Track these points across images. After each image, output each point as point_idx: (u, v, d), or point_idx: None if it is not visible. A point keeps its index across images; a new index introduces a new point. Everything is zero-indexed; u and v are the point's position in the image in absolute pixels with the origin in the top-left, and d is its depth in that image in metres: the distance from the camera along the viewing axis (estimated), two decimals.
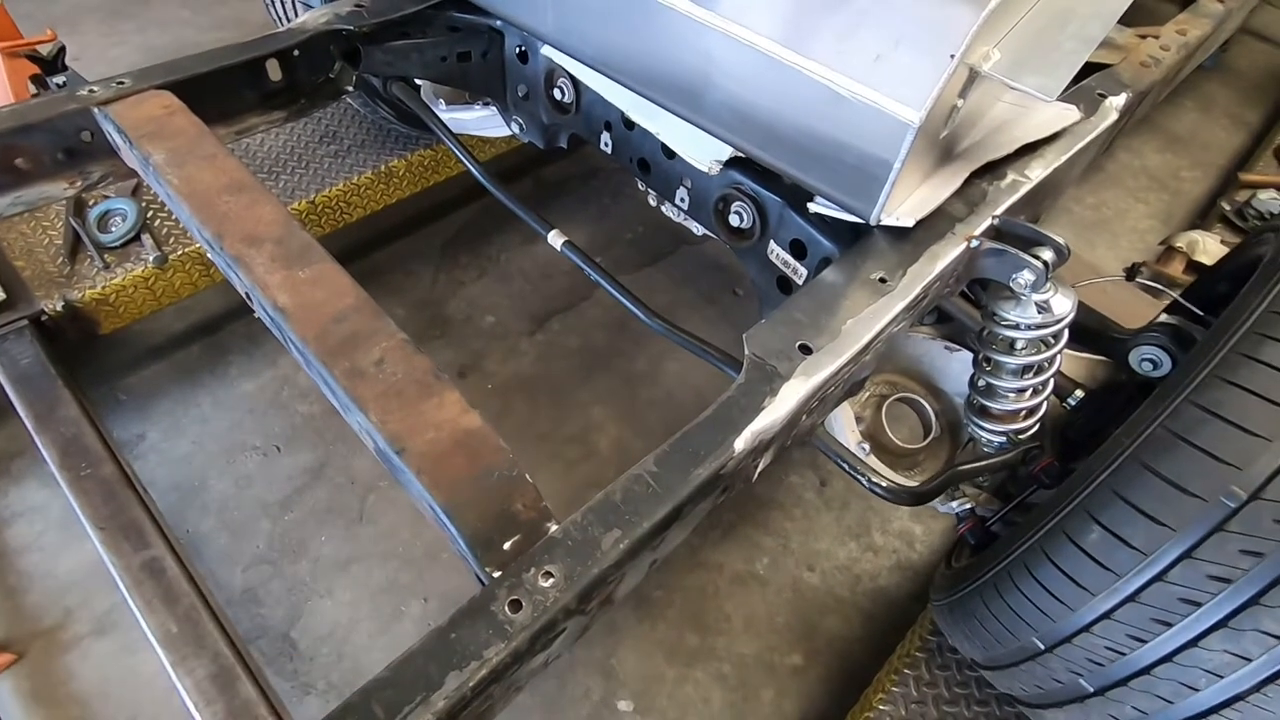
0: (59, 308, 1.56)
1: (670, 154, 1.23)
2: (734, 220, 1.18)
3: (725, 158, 1.13)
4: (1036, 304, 0.97)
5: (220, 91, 1.17)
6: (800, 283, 1.13)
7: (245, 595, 1.61)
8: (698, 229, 1.48)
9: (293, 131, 1.99)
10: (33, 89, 1.72)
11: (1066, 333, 1.01)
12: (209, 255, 0.92)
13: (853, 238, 1.05)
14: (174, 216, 1.76)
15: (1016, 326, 1.02)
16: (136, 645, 1.51)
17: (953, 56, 0.79)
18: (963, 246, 0.98)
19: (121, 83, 1.08)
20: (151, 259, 1.65)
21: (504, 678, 0.62)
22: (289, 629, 1.58)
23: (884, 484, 0.94)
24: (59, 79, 1.83)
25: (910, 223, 0.95)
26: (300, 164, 1.93)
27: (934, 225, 0.99)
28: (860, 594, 1.73)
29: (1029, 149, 1.09)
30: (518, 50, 1.38)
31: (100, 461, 1.39)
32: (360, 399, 0.73)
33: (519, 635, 0.63)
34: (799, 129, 0.92)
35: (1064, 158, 1.12)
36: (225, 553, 1.66)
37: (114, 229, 1.67)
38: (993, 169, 1.06)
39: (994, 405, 1.11)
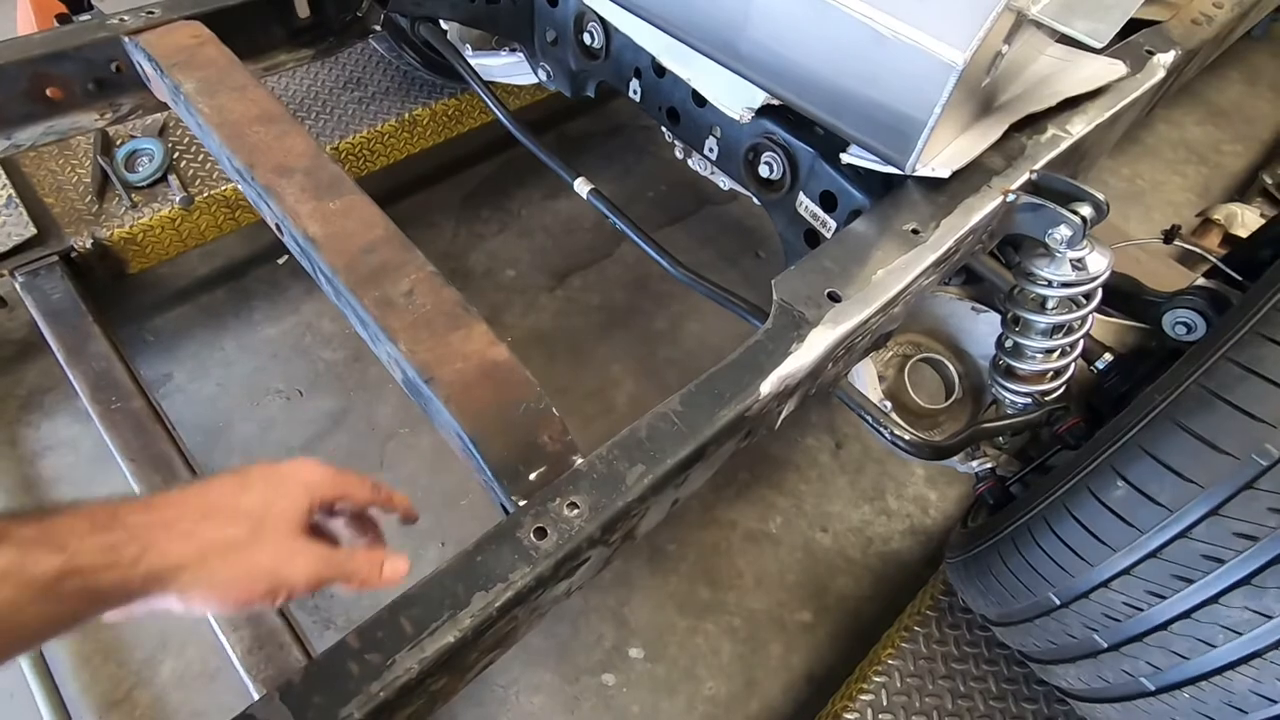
0: (88, 245, 1.58)
1: (701, 102, 1.21)
2: (763, 171, 1.16)
3: (758, 105, 1.10)
4: (1071, 261, 0.96)
5: (249, 26, 1.16)
6: (829, 235, 1.12)
7: None
8: (724, 182, 1.46)
9: (317, 76, 1.98)
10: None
11: (1100, 292, 0.99)
12: (239, 186, 0.92)
13: (885, 190, 1.03)
14: (199, 158, 1.76)
15: (1049, 284, 1.00)
16: None
17: None
18: (999, 200, 0.96)
19: (151, 13, 1.07)
20: (178, 199, 1.66)
21: (528, 600, 0.63)
22: None
23: (906, 438, 0.94)
24: (84, 17, 1.83)
25: (946, 174, 0.93)
26: (324, 109, 1.92)
27: (970, 178, 0.97)
28: (872, 556, 1.74)
29: (1070, 104, 1.06)
30: None
31: (130, 396, 1.42)
32: (390, 328, 0.73)
33: (543, 561, 0.64)
34: (836, 72, 0.89)
35: (1107, 114, 1.08)
36: None
37: (141, 169, 1.68)
38: (1032, 122, 1.04)
39: (1021, 365, 1.10)
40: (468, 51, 1.60)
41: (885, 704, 1.23)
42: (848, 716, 1.21)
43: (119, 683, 1.44)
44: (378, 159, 1.96)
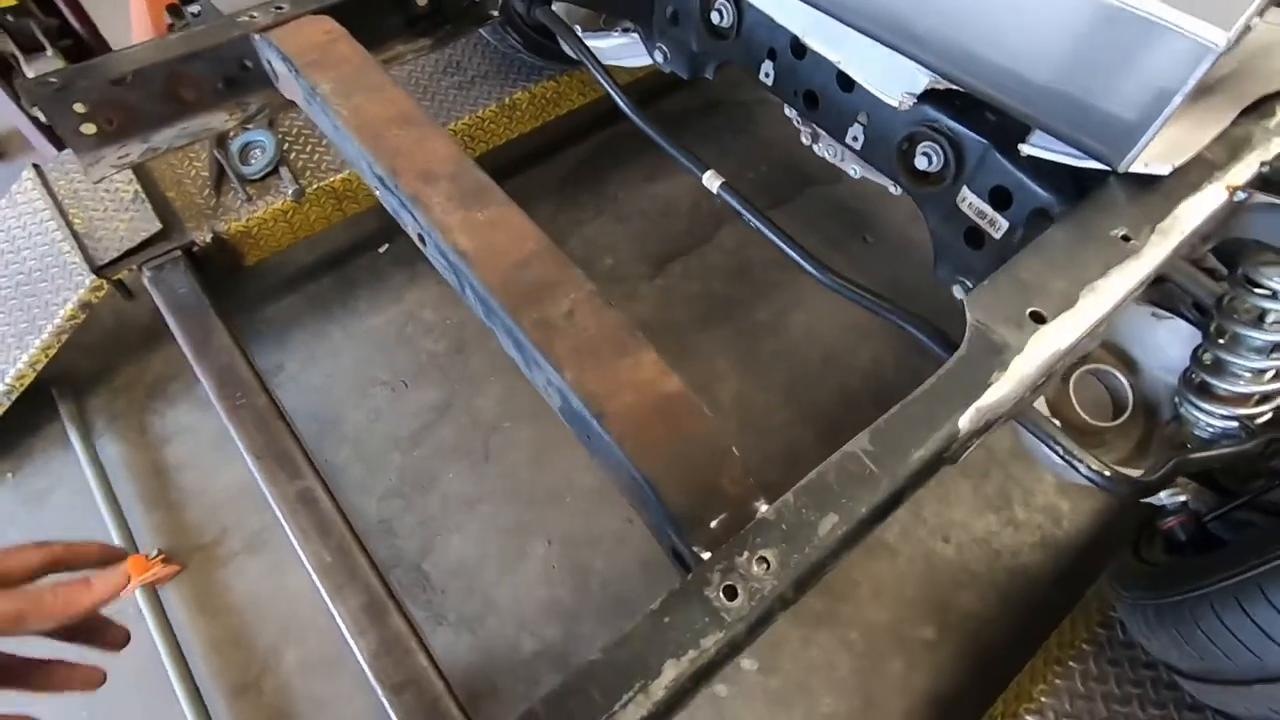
0: (208, 239, 1.60)
1: (847, 85, 1.10)
2: (920, 163, 1.05)
3: (920, 90, 0.99)
4: None
5: (370, 16, 1.11)
6: (998, 236, 1.00)
7: (381, 525, 1.67)
8: (856, 171, 1.35)
9: (417, 61, 1.94)
10: (169, 19, 1.74)
11: None
12: (378, 193, 0.88)
13: (1075, 187, 0.91)
14: (308, 149, 1.76)
15: (1275, 295, 0.87)
16: (285, 565, 1.59)
17: None
18: (1223, 199, 0.82)
19: (280, 8, 1.03)
20: (290, 192, 1.66)
21: (720, 668, 0.57)
22: (421, 561, 1.63)
23: (1106, 474, 0.83)
24: (194, 8, 1.84)
25: (1166, 170, 0.80)
26: (425, 95, 1.88)
27: (1187, 174, 0.84)
28: (999, 570, 1.63)
29: None
30: None
31: (252, 392, 1.43)
32: (552, 354, 0.68)
33: (736, 625, 0.58)
34: (1042, 54, 0.77)
35: None
36: (361, 483, 1.72)
37: (254, 161, 1.69)
38: (1259, 107, 0.89)
39: (1222, 385, 0.97)
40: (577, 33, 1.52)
41: None
42: None
43: (247, 668, 1.49)
44: (478, 145, 1.92)
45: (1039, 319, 0.74)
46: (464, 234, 0.75)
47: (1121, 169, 0.79)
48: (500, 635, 1.54)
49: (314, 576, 1.21)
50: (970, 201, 1.02)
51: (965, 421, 0.69)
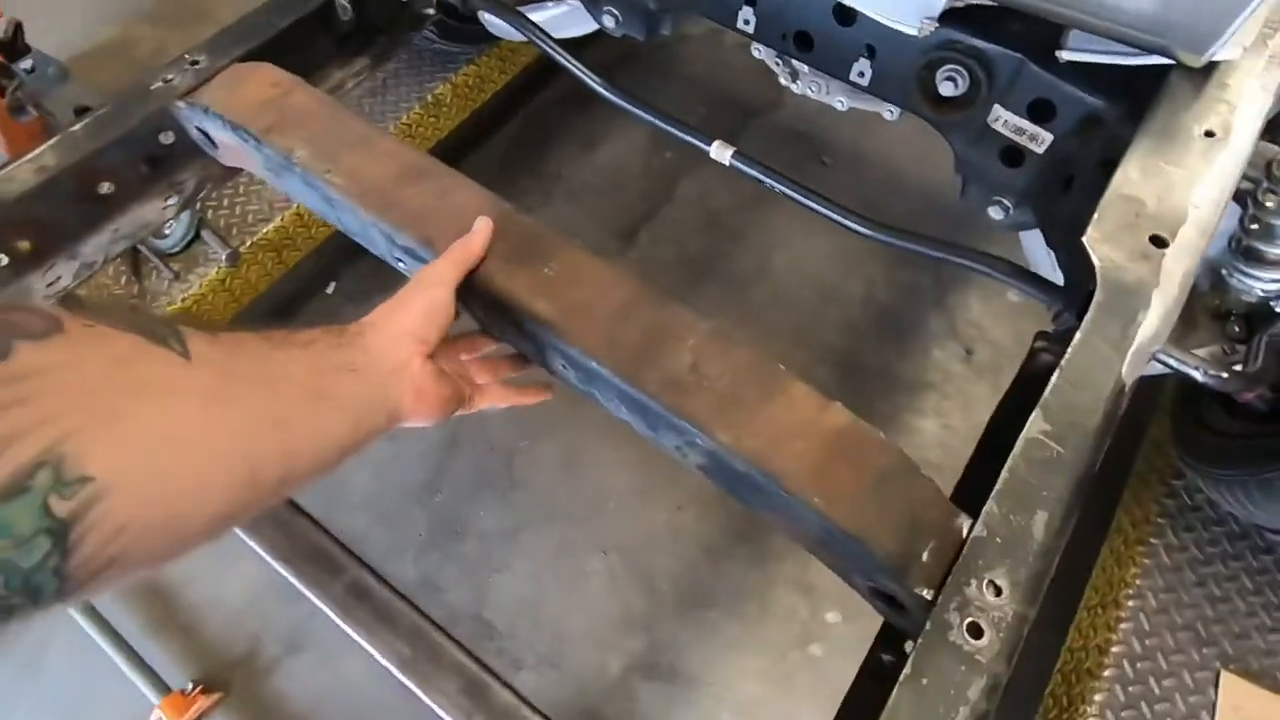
0: None
1: (846, 19, 1.01)
2: (946, 89, 0.97)
3: (938, 11, 0.91)
4: None
5: (296, 47, 0.94)
6: (1041, 150, 0.95)
7: (424, 584, 1.56)
8: (842, 103, 1.28)
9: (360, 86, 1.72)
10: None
11: None
12: (401, 266, 0.75)
13: (1124, 86, 0.86)
14: (226, 203, 1.55)
15: None
16: (335, 654, 1.48)
17: None
18: None
19: (195, 62, 0.86)
20: (224, 257, 1.46)
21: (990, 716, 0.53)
22: (479, 610, 1.54)
23: (1224, 375, 0.82)
24: (25, 63, 1.56)
25: (1237, 54, 0.76)
26: None
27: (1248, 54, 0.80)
28: None
29: None
30: None
31: None
32: (693, 417, 0.59)
33: (995, 665, 0.53)
34: None
35: None
36: (389, 547, 1.59)
37: (170, 233, 1.47)
38: None
39: (1271, 249, 0.97)
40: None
41: (1148, 627, 1.17)
42: (1114, 649, 1.15)
43: None
44: None
45: (1160, 243, 0.70)
46: (539, 297, 0.64)
47: (1204, 61, 0.74)
48: (584, 663, 1.48)
49: (400, 676, 1.11)
50: (1005, 119, 0.96)
51: (1126, 370, 0.65)
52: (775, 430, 0.58)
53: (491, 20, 1.36)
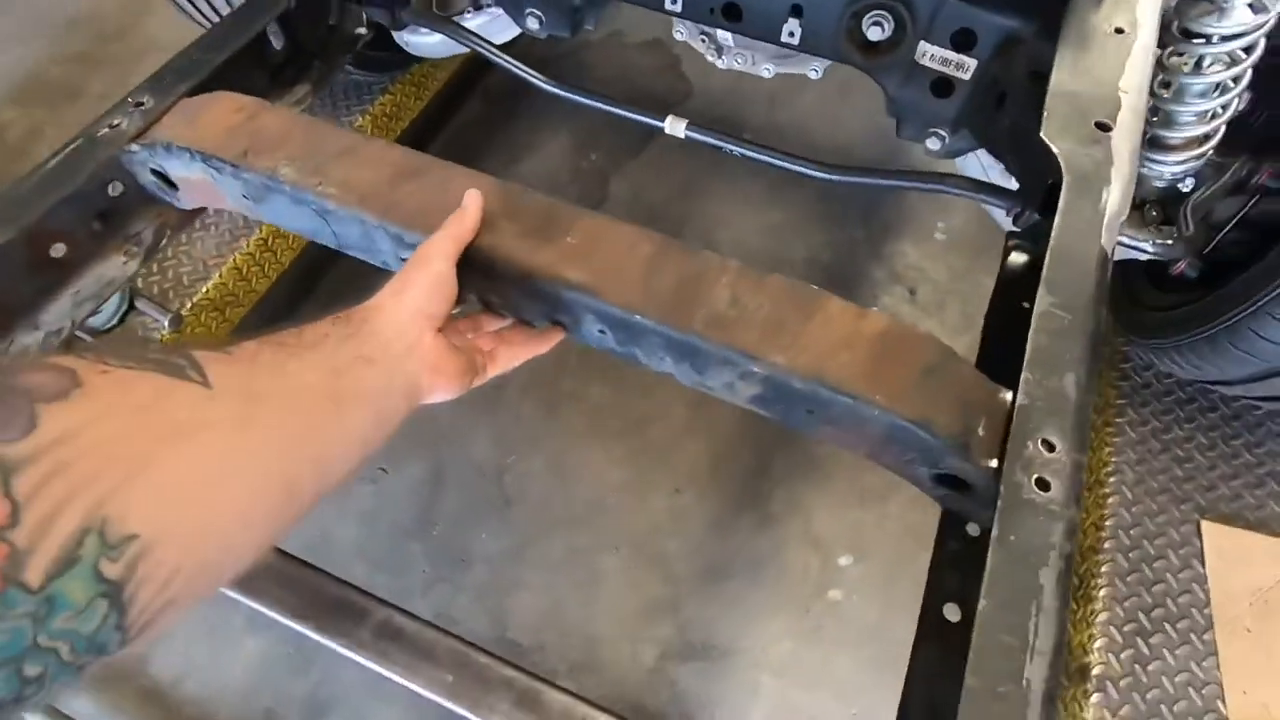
0: None
1: None
2: (873, 34, 1.05)
3: None
4: (1250, 3, 0.92)
5: (239, 80, 0.92)
6: (968, 76, 1.03)
7: (441, 619, 1.50)
8: (769, 70, 1.34)
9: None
10: None
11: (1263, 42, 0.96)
12: None
13: (1034, 4, 0.95)
14: (155, 268, 1.47)
15: (1209, 40, 0.97)
16: (362, 709, 1.41)
17: None
18: None
19: (140, 103, 0.82)
20: (165, 323, 1.39)
21: (1073, 561, 0.57)
22: (502, 632, 1.50)
23: (1169, 242, 0.91)
24: None
25: None
26: None
27: None
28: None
29: None
30: None
31: None
32: (745, 346, 0.61)
33: (1068, 511, 0.58)
34: None
35: None
36: (395, 590, 1.53)
37: (102, 308, 1.38)
38: None
39: (1171, 135, 1.08)
40: (419, 31, 1.36)
41: (1131, 497, 1.27)
42: (1108, 523, 1.25)
43: None
44: None
45: (1104, 128, 0.78)
46: (568, 266, 0.65)
47: None
48: (618, 659, 1.47)
49: (451, 706, 1.08)
50: (931, 54, 1.04)
51: (1105, 238, 0.72)
52: (823, 344, 0.61)
53: (412, 40, 1.35)
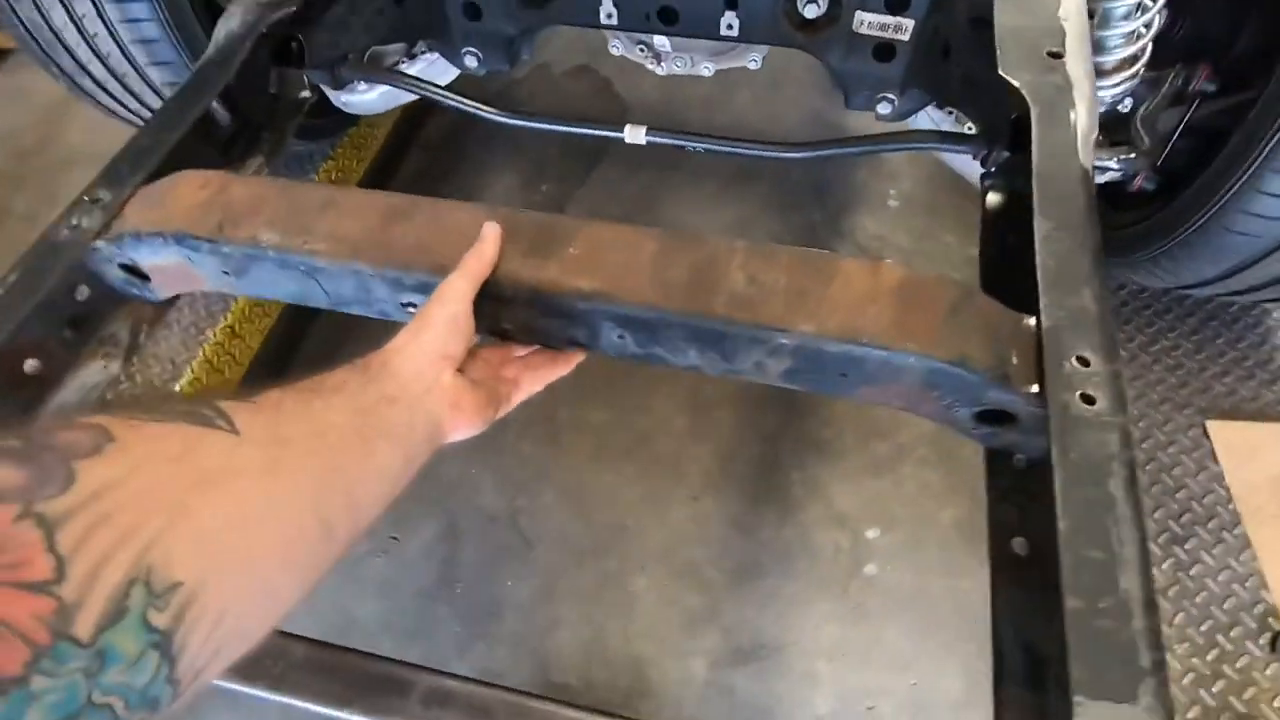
0: None
1: None
2: (809, 12, 1.07)
3: None
4: None
5: (192, 161, 0.89)
6: (908, 38, 1.06)
7: (484, 676, 1.45)
8: (709, 68, 1.36)
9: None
10: None
11: None
12: (412, 314, 0.72)
13: None
14: (124, 378, 1.41)
15: None
16: None
17: None
18: None
19: (97, 199, 0.79)
20: None
21: (1135, 466, 0.58)
22: (547, 676, 1.46)
23: (1131, 156, 0.94)
24: None
25: None
26: None
27: None
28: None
29: None
30: None
31: (280, 652, 1.16)
32: (773, 321, 0.61)
33: (1116, 419, 0.58)
34: None
35: None
36: (431, 657, 1.48)
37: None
38: None
39: (1105, 59, 1.13)
40: (359, 87, 1.35)
41: (1136, 412, 1.30)
42: None
43: None
44: None
45: (1056, 55, 0.80)
46: (577, 276, 0.64)
47: None
48: (670, 678, 1.44)
49: None
50: (868, 21, 1.06)
51: (1083, 156, 0.74)
52: (847, 305, 0.61)
53: (350, 100, 1.34)
